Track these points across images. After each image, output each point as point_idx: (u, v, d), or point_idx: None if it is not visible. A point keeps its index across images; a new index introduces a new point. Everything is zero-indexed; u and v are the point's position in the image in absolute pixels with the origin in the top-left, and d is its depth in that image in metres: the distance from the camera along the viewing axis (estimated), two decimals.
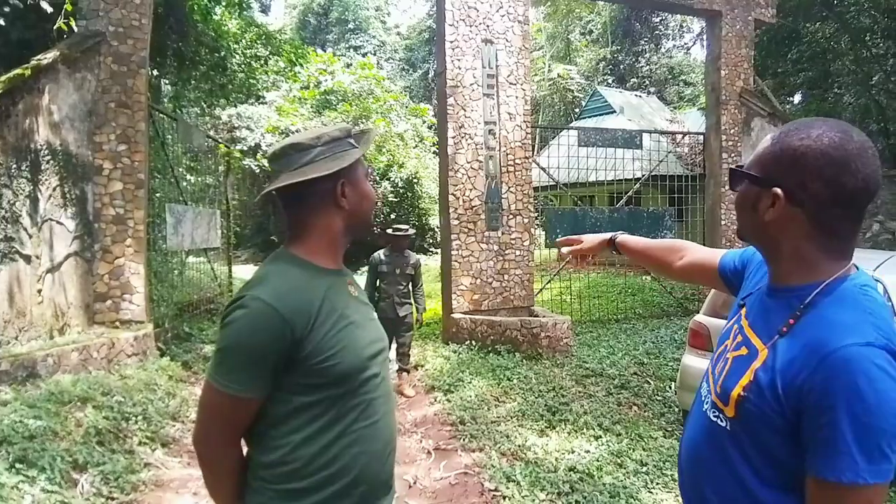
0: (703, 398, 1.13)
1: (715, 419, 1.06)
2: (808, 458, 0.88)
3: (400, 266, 5.41)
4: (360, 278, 16.18)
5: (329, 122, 18.28)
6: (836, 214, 0.95)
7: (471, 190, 7.17)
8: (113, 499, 3.26)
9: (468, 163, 7.16)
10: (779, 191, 0.96)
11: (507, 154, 7.37)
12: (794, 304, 0.97)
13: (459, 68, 7.11)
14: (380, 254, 5.46)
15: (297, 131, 18.88)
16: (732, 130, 9.14)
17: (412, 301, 5.54)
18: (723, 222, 9.08)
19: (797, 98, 18.19)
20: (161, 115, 6.82)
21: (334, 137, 1.29)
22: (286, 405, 1.18)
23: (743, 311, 1.12)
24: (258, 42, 9.76)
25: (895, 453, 0.84)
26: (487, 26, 7.24)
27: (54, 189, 5.18)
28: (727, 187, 9.03)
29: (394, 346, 5.45)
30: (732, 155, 9.14)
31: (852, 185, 0.92)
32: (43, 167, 5.06)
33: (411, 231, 5.61)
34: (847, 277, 0.97)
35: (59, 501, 3.05)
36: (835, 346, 0.86)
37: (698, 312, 4.58)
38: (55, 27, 5.12)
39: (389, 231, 5.51)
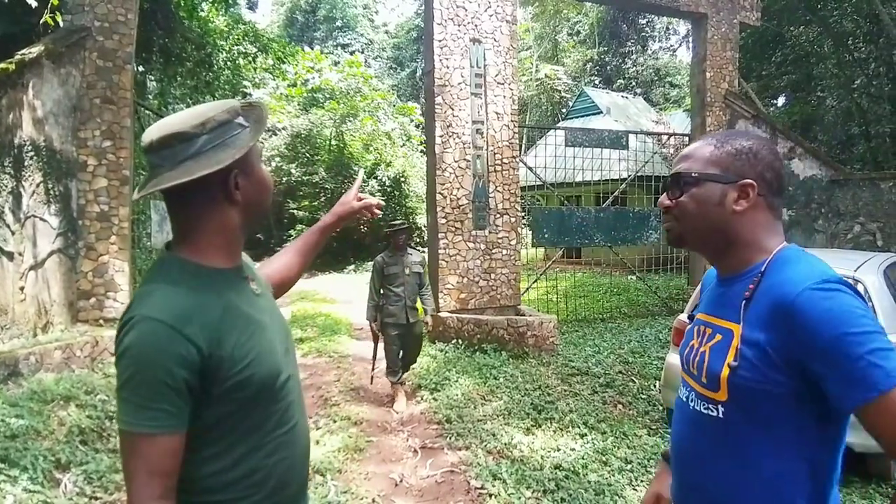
0: (685, 400, 1.16)
1: (707, 412, 1.08)
2: (846, 395, 0.91)
3: (408, 265, 5.06)
4: (347, 277, 15.93)
5: (317, 121, 18.22)
6: (779, 201, 1.12)
7: (458, 189, 7.19)
8: (96, 498, 3.23)
9: (456, 162, 7.18)
10: (752, 182, 1.08)
11: (495, 153, 7.40)
12: (750, 279, 1.07)
13: (447, 67, 7.12)
14: (382, 257, 5.10)
15: (283, 129, 18.74)
16: (717, 132, 9.22)
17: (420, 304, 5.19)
18: None
19: (781, 101, 18.43)
20: (146, 111, 6.76)
21: (221, 122, 1.10)
22: (198, 422, 1.04)
23: (697, 315, 1.21)
24: (245, 39, 9.70)
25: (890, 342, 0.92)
26: (476, 26, 7.26)
27: (38, 185, 5.11)
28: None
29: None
30: None
31: (784, 176, 1.13)
32: (26, 163, 5.00)
33: (405, 224, 5.33)
34: (785, 248, 1.10)
35: (42, 501, 3.02)
36: (796, 293, 0.97)
37: (682, 312, 4.65)
38: (41, 21, 5.06)
39: (386, 230, 5.22)
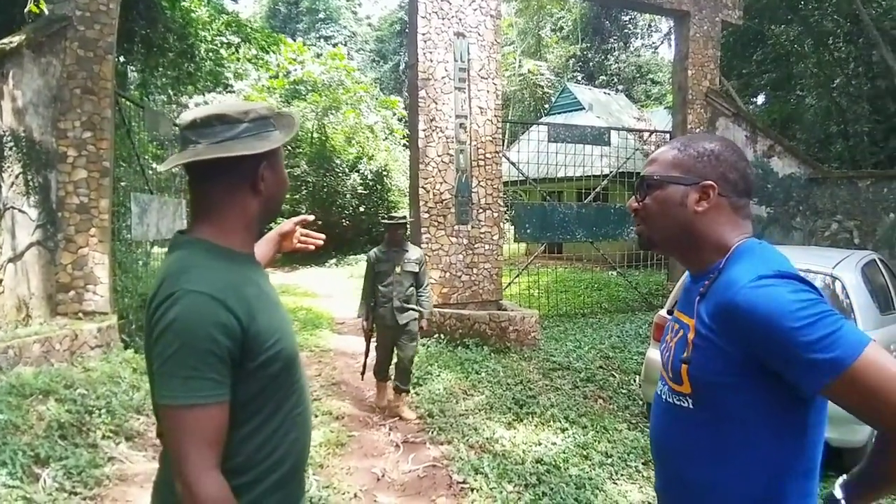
0: (660, 393, 1.20)
1: (679, 403, 1.12)
2: (808, 382, 0.94)
3: (400, 263, 4.64)
4: (329, 271, 15.89)
5: (298, 112, 18.02)
6: (744, 201, 1.15)
7: (441, 183, 7.21)
8: (76, 493, 3.21)
9: (439, 156, 7.19)
10: (712, 182, 1.11)
11: (478, 148, 7.42)
12: (710, 275, 1.11)
13: (431, 61, 7.11)
14: (375, 251, 4.76)
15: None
16: (698, 129, 9.35)
17: (416, 306, 4.73)
18: None
19: (760, 99, 18.66)
20: (127, 102, 6.65)
21: (261, 115, 1.19)
22: (236, 398, 1.07)
23: (675, 314, 1.24)
24: (228, 29, 9.56)
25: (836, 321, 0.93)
26: (460, 20, 7.26)
27: (17, 176, 5.01)
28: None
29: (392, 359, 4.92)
30: None
31: (751, 176, 1.16)
32: (5, 154, 4.89)
33: (407, 218, 4.96)
34: (742, 243, 1.12)
35: (21, 497, 2.99)
36: (734, 292, 1.00)
37: (662, 308, 4.73)
38: (25, 10, 4.94)
39: (385, 220, 4.88)
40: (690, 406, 1.09)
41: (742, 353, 1.00)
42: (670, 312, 1.27)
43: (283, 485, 1.15)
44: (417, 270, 4.71)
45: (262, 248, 1.61)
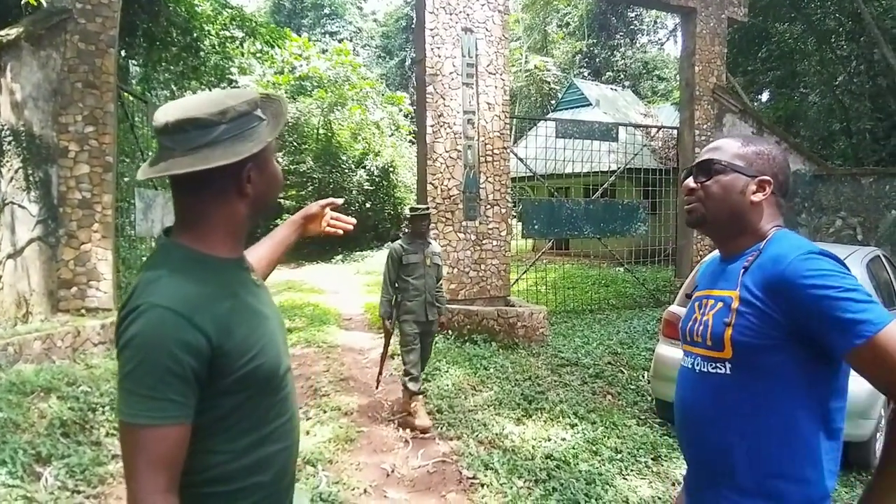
0: (691, 367, 1.28)
1: (715, 370, 1.20)
2: (838, 343, 1.05)
3: (429, 256, 4.43)
4: (335, 267, 15.90)
5: (304, 109, 18.01)
6: (783, 201, 1.31)
7: (449, 179, 7.14)
8: (79, 492, 3.16)
9: (447, 152, 7.12)
10: (769, 178, 1.25)
11: (486, 144, 7.35)
12: (749, 255, 1.22)
13: (439, 56, 7.04)
14: (400, 244, 4.47)
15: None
16: (705, 126, 9.28)
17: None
18: None
19: (765, 96, 18.57)
20: (130, 96, 6.61)
21: (241, 112, 1.07)
22: (208, 414, 1.02)
23: (696, 294, 1.36)
24: (233, 23, 9.51)
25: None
26: (467, 15, 7.18)
27: (16, 171, 4.98)
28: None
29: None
30: None
31: (791, 180, 1.35)
32: (4, 148, 4.86)
33: (428, 209, 4.65)
34: (779, 230, 1.27)
35: (22, 496, 2.94)
36: (786, 263, 1.12)
37: (671, 303, 4.66)
38: (23, 1, 4.89)
39: (411, 211, 4.61)
40: (728, 371, 1.18)
41: (786, 318, 1.11)
42: (689, 296, 1.43)
43: (267, 496, 1.12)
44: (440, 263, 4.55)
45: (283, 231, 1.54)
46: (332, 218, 1.59)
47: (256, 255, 1.46)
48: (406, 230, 4.61)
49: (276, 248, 1.52)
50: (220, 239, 1.10)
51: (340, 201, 1.62)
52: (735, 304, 1.18)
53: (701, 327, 1.26)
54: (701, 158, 1.31)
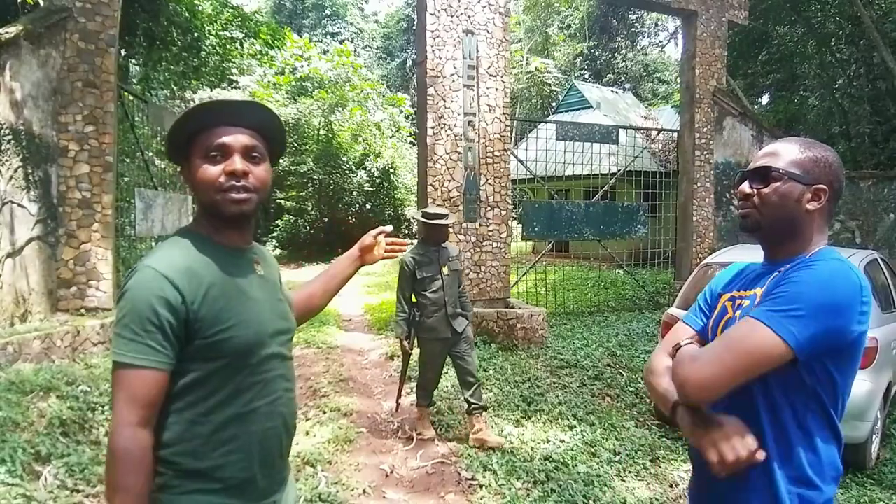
0: None
1: None
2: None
3: (446, 263, 3.95)
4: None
5: (305, 110, 18.01)
6: (834, 209, 1.31)
7: (449, 181, 7.14)
8: (79, 491, 3.15)
9: (447, 154, 7.12)
10: (825, 187, 1.25)
11: (486, 146, 7.35)
12: (791, 262, 1.25)
13: (440, 58, 7.04)
14: (411, 256, 3.93)
15: None
16: (705, 128, 9.29)
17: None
18: (694, 218, 9.24)
19: (765, 99, 18.59)
20: (130, 96, 6.61)
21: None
22: (181, 378, 1.15)
23: (726, 296, 1.36)
24: (233, 24, 9.51)
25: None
26: (469, 17, 7.18)
27: (16, 170, 4.96)
28: (699, 184, 9.26)
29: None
30: (705, 152, 9.30)
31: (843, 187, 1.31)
32: (3, 147, 4.84)
33: (450, 217, 4.06)
34: (826, 247, 1.29)
35: (21, 494, 2.93)
36: (820, 257, 1.19)
37: (670, 306, 4.66)
38: (20, 0, 4.90)
39: (419, 217, 4.10)
40: None
41: None
42: (720, 294, 1.39)
43: (242, 479, 1.19)
44: (460, 269, 4.11)
45: (338, 266, 1.66)
46: (388, 245, 1.71)
47: (309, 289, 1.60)
48: (418, 237, 4.16)
49: (328, 281, 1.62)
50: (213, 227, 1.25)
51: (390, 228, 1.75)
52: (757, 300, 1.22)
53: (728, 326, 1.28)
54: (757, 164, 1.30)
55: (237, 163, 1.20)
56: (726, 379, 1.10)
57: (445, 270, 3.95)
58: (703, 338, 1.37)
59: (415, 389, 4.25)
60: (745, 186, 1.30)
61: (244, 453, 1.19)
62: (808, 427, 1.17)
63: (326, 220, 18.11)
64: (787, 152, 1.27)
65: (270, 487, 1.26)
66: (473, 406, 3.93)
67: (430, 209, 4.05)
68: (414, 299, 3.97)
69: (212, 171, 1.20)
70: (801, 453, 1.16)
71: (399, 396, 4.35)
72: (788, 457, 1.16)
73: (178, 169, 1.28)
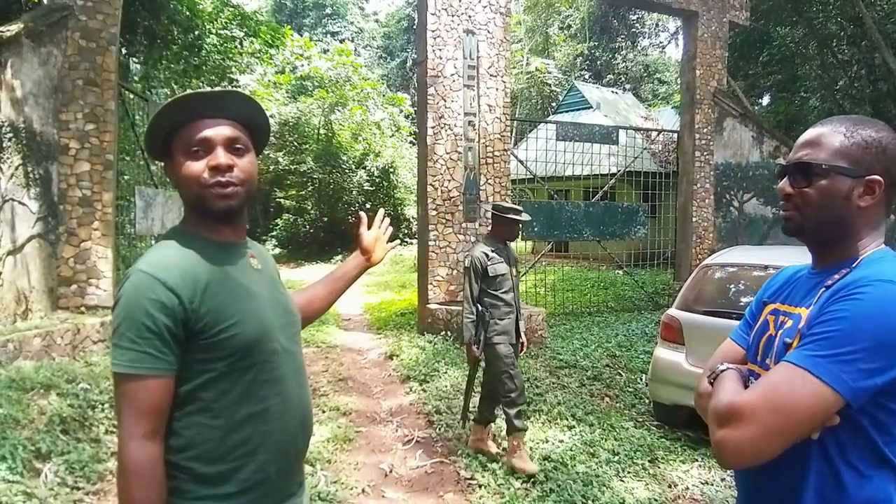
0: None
1: None
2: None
3: (514, 264, 3.72)
4: (334, 267, 16.34)
5: (305, 109, 18.02)
6: (894, 197, 1.09)
7: (449, 181, 7.14)
8: (79, 488, 3.16)
9: (447, 153, 7.13)
10: (879, 178, 1.04)
11: (486, 146, 7.36)
12: (840, 270, 1.06)
13: (440, 58, 7.05)
14: (482, 251, 3.60)
15: (271, 116, 18.57)
16: (706, 129, 9.29)
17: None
18: (694, 219, 9.25)
19: (766, 100, 18.60)
20: (131, 94, 6.61)
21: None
22: (189, 383, 1.10)
23: (770, 307, 1.20)
24: (233, 22, 9.52)
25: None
26: (469, 17, 7.19)
27: (16, 168, 4.97)
28: (699, 185, 9.27)
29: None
30: (705, 153, 9.31)
31: None
32: (4, 144, 4.85)
33: (525, 214, 3.72)
34: (880, 248, 1.09)
35: (21, 491, 2.94)
36: (866, 281, 0.97)
37: (669, 307, 4.66)
38: None
39: (495, 212, 3.70)
40: None
41: None
42: (764, 303, 1.23)
43: (257, 480, 1.15)
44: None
45: (343, 268, 1.64)
46: (375, 234, 1.68)
47: (310, 292, 1.58)
48: (488, 233, 3.91)
49: (332, 283, 1.60)
50: (202, 224, 1.20)
51: (363, 215, 1.69)
52: (802, 324, 1.04)
53: (772, 346, 1.13)
54: (797, 158, 1.11)
55: (220, 157, 1.15)
56: (771, 445, 0.95)
57: (515, 272, 3.70)
58: (749, 353, 1.23)
59: (479, 402, 3.85)
60: (786, 185, 1.12)
61: (259, 455, 1.14)
62: (857, 464, 1.01)
63: (326, 219, 18.13)
64: (830, 140, 1.07)
65: (288, 490, 1.22)
66: (513, 424, 3.54)
67: (505, 203, 3.79)
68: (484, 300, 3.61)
69: (195, 167, 1.15)
70: (850, 490, 1.01)
71: (466, 409, 3.81)
72: (839, 491, 1.01)
73: (163, 166, 1.24)
